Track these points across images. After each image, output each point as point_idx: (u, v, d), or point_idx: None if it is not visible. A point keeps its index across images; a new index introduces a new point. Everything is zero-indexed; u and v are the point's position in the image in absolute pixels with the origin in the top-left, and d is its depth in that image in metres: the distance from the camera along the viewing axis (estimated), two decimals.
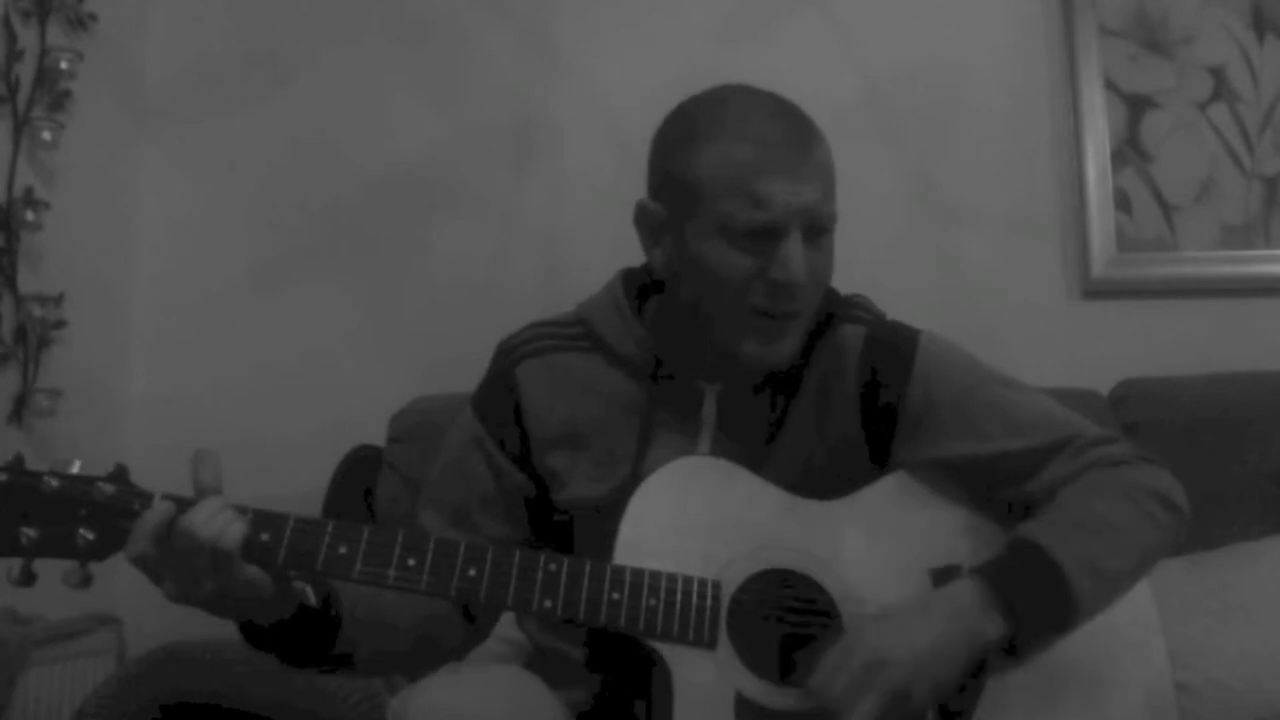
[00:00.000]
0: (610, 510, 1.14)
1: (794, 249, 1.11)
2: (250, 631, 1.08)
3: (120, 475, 1.03)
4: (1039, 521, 1.13)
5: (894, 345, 1.22)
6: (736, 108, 1.18)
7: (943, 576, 1.15)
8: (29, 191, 1.87)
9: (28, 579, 0.98)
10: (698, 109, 1.20)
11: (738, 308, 1.14)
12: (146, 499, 1.02)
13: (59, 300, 1.90)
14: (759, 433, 1.21)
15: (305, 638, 1.08)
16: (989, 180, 2.16)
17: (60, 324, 1.92)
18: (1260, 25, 2.15)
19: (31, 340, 1.88)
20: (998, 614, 1.06)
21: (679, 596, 1.07)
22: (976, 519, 1.20)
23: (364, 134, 2.21)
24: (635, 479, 1.15)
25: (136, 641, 1.90)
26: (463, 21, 2.22)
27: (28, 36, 1.89)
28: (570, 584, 1.05)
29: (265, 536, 1.02)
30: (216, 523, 0.99)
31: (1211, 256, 2.12)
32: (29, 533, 0.98)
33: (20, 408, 1.87)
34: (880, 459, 1.21)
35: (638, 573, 1.07)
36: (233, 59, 2.23)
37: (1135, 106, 2.15)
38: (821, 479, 1.19)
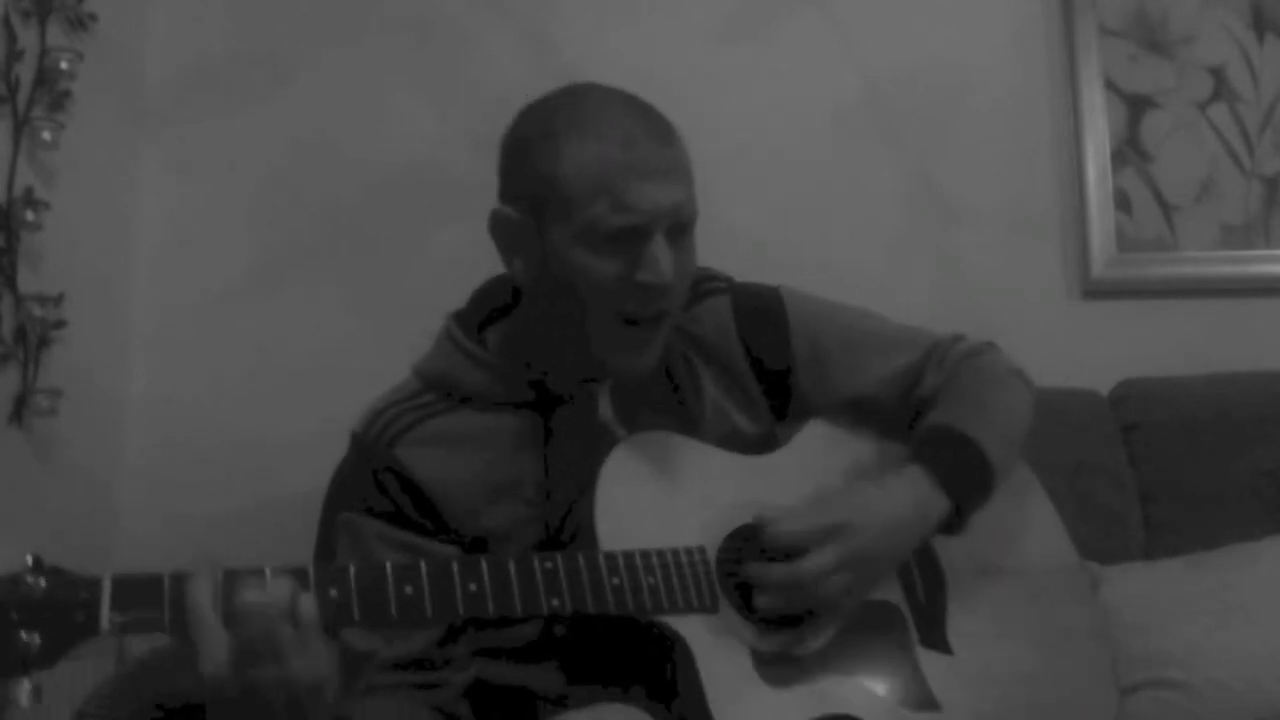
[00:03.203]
0: (554, 541, 1.15)
1: (660, 250, 1.11)
2: None
3: (41, 564, 0.89)
4: (943, 410, 1.26)
5: (763, 310, 1.30)
6: (592, 108, 1.15)
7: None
8: (29, 191, 1.87)
9: None
10: (552, 110, 1.17)
11: (605, 314, 1.14)
12: (93, 585, 0.89)
13: (59, 300, 1.90)
14: (674, 419, 1.23)
15: None
16: (989, 180, 2.16)
17: (60, 324, 1.92)
18: (1260, 25, 2.15)
19: (31, 340, 1.88)
20: (941, 493, 1.19)
21: (673, 568, 1.09)
22: (892, 445, 1.30)
23: (364, 134, 2.20)
24: (558, 505, 1.15)
25: (136, 641, 1.90)
26: (463, 21, 2.22)
27: (28, 36, 1.89)
28: (571, 579, 1.05)
29: (334, 593, 0.95)
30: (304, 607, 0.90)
31: (1211, 256, 2.12)
32: None
33: (20, 408, 1.86)
34: (781, 404, 1.30)
35: (629, 554, 1.08)
36: (233, 59, 2.23)
37: (1135, 106, 2.15)
38: (743, 439, 1.26)
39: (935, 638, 1.21)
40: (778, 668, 1.10)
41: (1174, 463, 1.85)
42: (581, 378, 1.21)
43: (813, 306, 1.33)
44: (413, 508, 1.17)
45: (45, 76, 1.91)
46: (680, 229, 1.14)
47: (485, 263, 2.16)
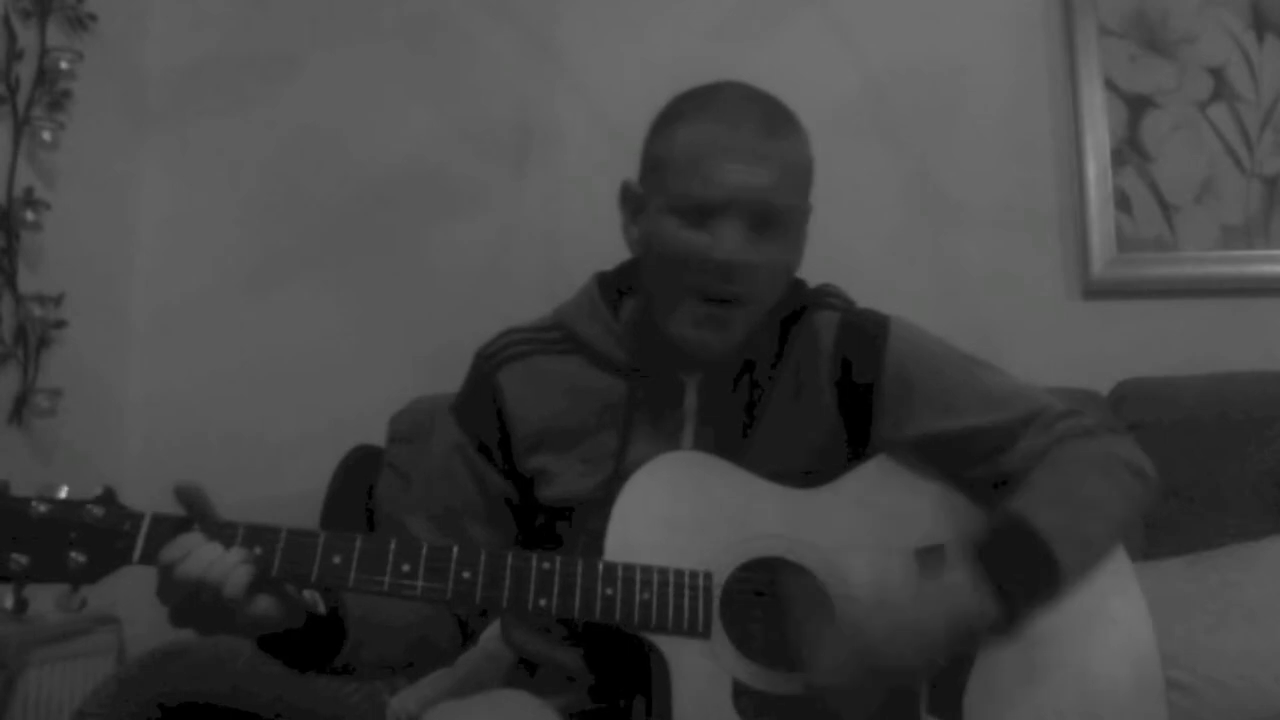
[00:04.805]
0: (598, 504, 1.15)
1: (732, 229, 1.14)
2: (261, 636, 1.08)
3: (108, 497, 1.03)
4: (1021, 497, 1.14)
5: (866, 330, 1.25)
6: (719, 95, 1.21)
7: (927, 556, 1.18)
8: (29, 191, 1.87)
9: (21, 606, 0.98)
10: (686, 95, 1.24)
11: (678, 286, 1.17)
12: (137, 519, 1.02)
13: (59, 300, 1.91)
14: (740, 421, 1.22)
15: (313, 644, 1.09)
16: (989, 180, 2.16)
17: (60, 324, 1.92)
18: (1260, 25, 2.15)
19: (31, 340, 1.88)
20: (989, 594, 1.08)
21: (671, 589, 1.08)
22: (956, 498, 1.22)
23: (364, 134, 2.21)
24: (619, 475, 1.16)
25: (136, 641, 1.90)
26: (463, 22, 2.22)
27: (28, 36, 1.90)
28: (564, 582, 1.06)
29: (258, 550, 1.02)
30: (217, 570, 0.99)
31: (1211, 256, 2.11)
32: (19, 559, 0.97)
33: (20, 408, 1.87)
34: (859, 441, 1.23)
35: (629, 568, 1.08)
36: (233, 59, 2.23)
37: (1135, 106, 2.15)
38: (802, 464, 1.20)
39: (947, 706, 1.14)
40: (759, 704, 1.08)
41: (1174, 463, 1.85)
42: (678, 367, 1.23)
43: (920, 340, 1.26)
44: (494, 431, 1.24)
45: (45, 76, 1.91)
46: (766, 217, 1.16)
47: (484, 262, 2.18)
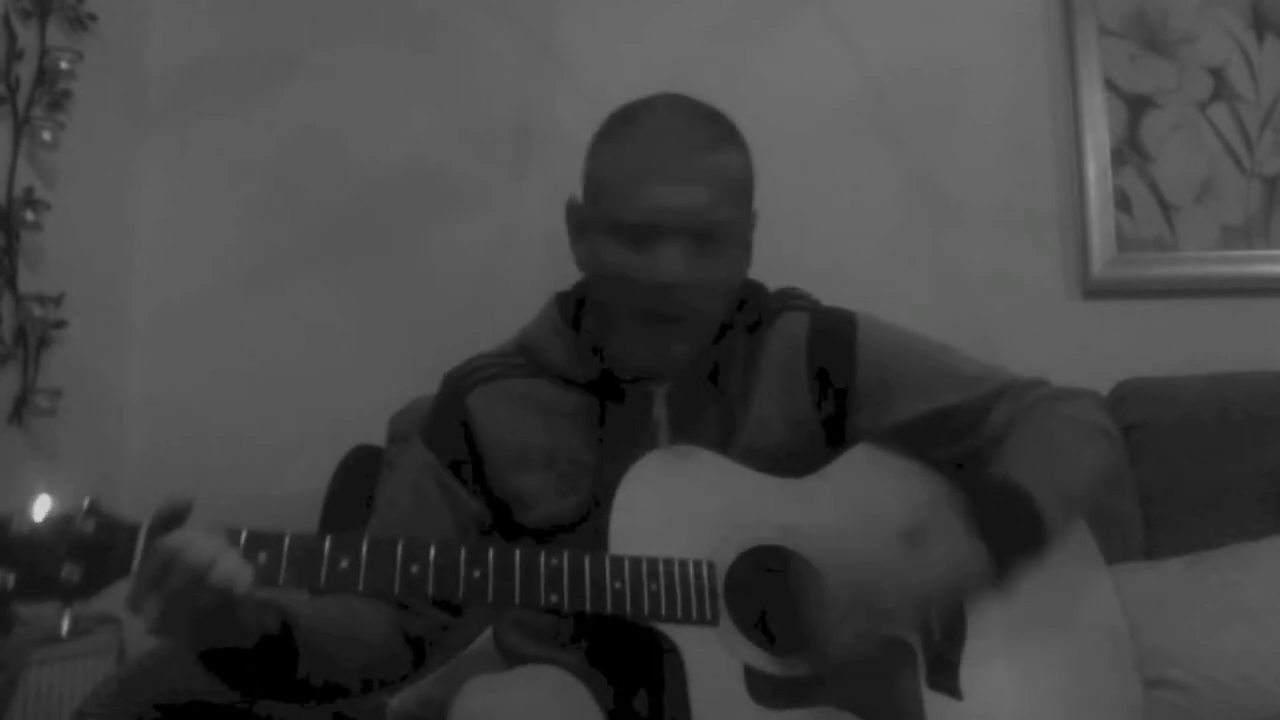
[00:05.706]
0: (584, 524, 1.17)
1: (671, 251, 1.14)
2: (207, 657, 1.06)
3: (95, 508, 0.99)
4: (1003, 460, 1.19)
5: (836, 330, 1.28)
6: (649, 112, 1.21)
7: (911, 538, 1.20)
8: (29, 191, 1.87)
9: (6, 626, 0.96)
10: (620, 110, 1.24)
11: (621, 307, 1.19)
12: (131, 531, 0.99)
13: (59, 300, 1.90)
14: (715, 426, 1.24)
15: (264, 664, 1.07)
16: (989, 180, 2.16)
17: (60, 324, 1.92)
18: (1260, 25, 2.15)
19: (31, 340, 1.88)
20: (981, 550, 1.13)
21: (677, 579, 1.10)
22: (937, 479, 1.26)
23: (364, 134, 2.21)
24: (598, 491, 1.16)
25: (136, 641, 1.90)
26: (464, 21, 2.22)
27: (28, 36, 1.89)
28: (573, 576, 1.07)
29: (263, 557, 1.00)
30: (224, 564, 0.96)
31: (1211, 256, 2.12)
32: (4, 575, 0.93)
33: (20, 408, 1.87)
34: (836, 437, 1.26)
35: (636, 560, 1.09)
36: (233, 59, 2.23)
37: (1135, 106, 2.15)
38: (783, 462, 1.23)
39: (945, 680, 1.18)
40: (771, 688, 1.10)
41: (1174, 463, 1.85)
42: (644, 377, 1.24)
43: (887, 334, 1.30)
44: (465, 454, 1.24)
45: (45, 76, 1.91)
46: (704, 235, 1.16)
47: (485, 263, 2.18)
